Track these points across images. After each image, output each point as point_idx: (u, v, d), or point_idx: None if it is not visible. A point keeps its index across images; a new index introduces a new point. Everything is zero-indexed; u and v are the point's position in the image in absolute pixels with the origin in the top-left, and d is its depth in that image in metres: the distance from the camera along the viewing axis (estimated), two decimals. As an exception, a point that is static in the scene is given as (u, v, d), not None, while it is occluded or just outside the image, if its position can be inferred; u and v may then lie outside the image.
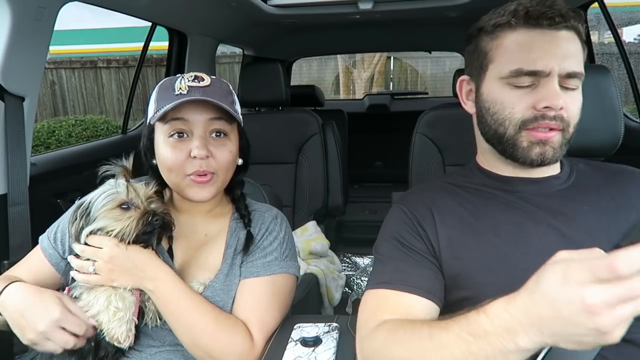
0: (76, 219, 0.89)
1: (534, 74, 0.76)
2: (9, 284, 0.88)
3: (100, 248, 0.87)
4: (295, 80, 4.95)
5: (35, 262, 1.00)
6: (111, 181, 0.90)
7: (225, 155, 0.93)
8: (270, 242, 0.99)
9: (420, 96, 4.77)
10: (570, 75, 0.77)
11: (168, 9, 1.87)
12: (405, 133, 2.27)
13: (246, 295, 0.95)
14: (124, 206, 0.87)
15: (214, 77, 0.95)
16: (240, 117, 0.96)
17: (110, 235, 0.87)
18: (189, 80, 0.91)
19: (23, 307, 0.84)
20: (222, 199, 1.05)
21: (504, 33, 0.80)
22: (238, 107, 0.98)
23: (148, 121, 0.93)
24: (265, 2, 2.11)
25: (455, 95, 2.06)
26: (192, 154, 0.90)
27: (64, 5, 1.38)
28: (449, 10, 2.20)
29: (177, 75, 0.94)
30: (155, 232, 0.88)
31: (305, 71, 8.23)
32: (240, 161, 1.00)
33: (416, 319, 0.75)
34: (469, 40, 0.89)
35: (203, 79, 0.91)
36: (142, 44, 2.30)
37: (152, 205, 0.89)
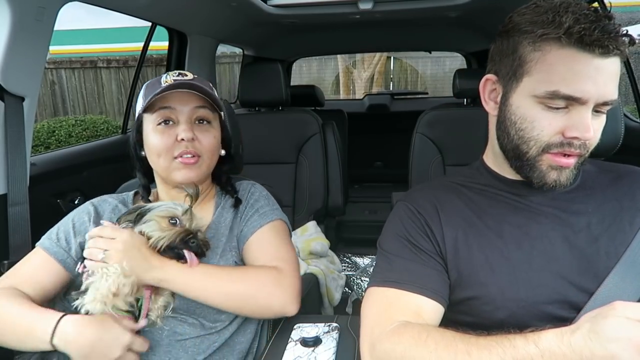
0: (131, 212, 0.94)
1: (570, 98, 0.71)
2: (60, 319, 0.85)
3: (114, 239, 0.89)
4: (295, 80, 4.94)
5: (38, 263, 0.98)
6: (174, 202, 0.97)
7: (210, 139, 1.01)
8: (256, 199, 1.09)
9: (420, 96, 4.77)
10: (606, 103, 0.73)
11: (168, 9, 1.87)
12: (405, 133, 2.27)
13: (258, 247, 1.03)
14: (172, 221, 0.92)
15: (196, 76, 1.05)
16: (223, 107, 1.05)
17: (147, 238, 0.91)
18: (174, 75, 1.00)
19: (93, 339, 0.84)
20: (206, 189, 1.10)
21: (549, 47, 0.72)
22: (219, 103, 1.06)
23: (137, 113, 1.01)
24: (265, 2, 2.11)
25: (455, 95, 2.08)
26: (179, 137, 0.97)
27: (64, 5, 1.38)
28: (449, 10, 2.20)
29: (163, 74, 1.03)
30: (182, 253, 0.92)
31: (305, 71, 8.23)
32: (222, 152, 1.08)
33: (425, 320, 0.75)
34: (502, 35, 0.80)
35: (187, 75, 1.01)
36: (142, 44, 2.30)
37: (199, 234, 0.95)
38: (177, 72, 1.03)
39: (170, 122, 0.99)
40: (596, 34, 0.68)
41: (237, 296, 0.94)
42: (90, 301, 0.85)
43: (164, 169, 1.00)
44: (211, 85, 1.05)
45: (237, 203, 1.07)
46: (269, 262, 1.00)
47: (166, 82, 0.98)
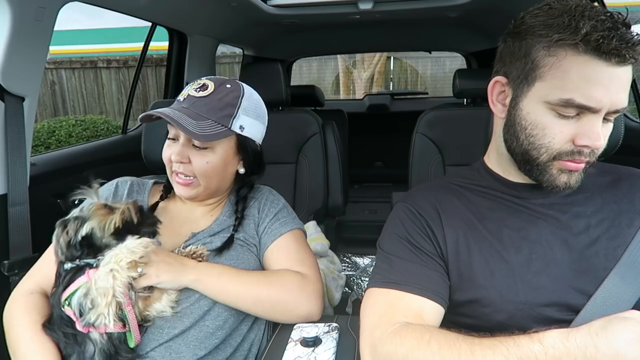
0: (65, 227, 0.90)
1: (583, 107, 0.70)
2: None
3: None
4: (295, 80, 4.95)
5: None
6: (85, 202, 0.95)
7: (201, 164, 0.99)
8: (275, 207, 1.10)
9: (420, 96, 4.77)
10: (617, 111, 0.72)
11: (168, 9, 1.87)
12: (405, 133, 2.27)
13: (280, 253, 1.04)
14: (106, 207, 0.92)
15: (229, 85, 0.99)
16: (237, 130, 1.00)
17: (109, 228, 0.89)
18: (194, 89, 0.98)
19: None
20: (216, 201, 1.10)
21: (564, 53, 0.70)
22: (241, 119, 1.00)
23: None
24: (265, 2, 2.11)
25: (455, 95, 2.08)
26: (172, 157, 0.99)
27: (64, 6, 1.38)
28: (449, 10, 2.20)
29: (197, 81, 1.01)
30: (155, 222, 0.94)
31: (305, 71, 8.22)
32: (241, 170, 1.08)
33: (426, 322, 0.75)
34: (513, 35, 0.77)
35: (207, 88, 0.97)
36: (142, 44, 2.30)
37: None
38: (202, 83, 0.99)
39: (175, 139, 1.01)
40: (614, 43, 0.66)
41: (267, 301, 0.96)
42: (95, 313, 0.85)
43: (169, 176, 1.05)
44: (240, 98, 1.00)
45: (230, 241, 1.03)
46: (292, 268, 1.01)
47: (182, 95, 1.00)
